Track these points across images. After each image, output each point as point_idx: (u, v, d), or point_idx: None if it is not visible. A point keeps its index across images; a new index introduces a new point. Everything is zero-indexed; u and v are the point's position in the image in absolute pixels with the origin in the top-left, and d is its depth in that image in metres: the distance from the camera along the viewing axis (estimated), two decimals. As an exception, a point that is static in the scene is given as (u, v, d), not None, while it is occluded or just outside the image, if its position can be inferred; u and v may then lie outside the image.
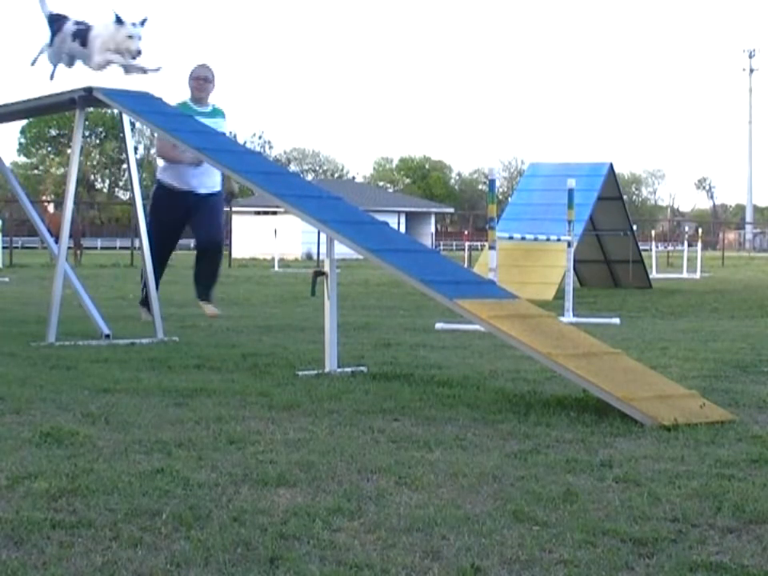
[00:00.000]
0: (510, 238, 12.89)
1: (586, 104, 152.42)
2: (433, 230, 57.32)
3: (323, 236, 6.91)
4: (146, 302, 8.83)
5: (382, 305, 13.23)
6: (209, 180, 9.24)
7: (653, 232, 33.01)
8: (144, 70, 7.93)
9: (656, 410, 4.69)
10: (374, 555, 2.79)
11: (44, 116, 36.63)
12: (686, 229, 41.16)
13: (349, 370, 6.22)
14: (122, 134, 8.22)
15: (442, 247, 56.17)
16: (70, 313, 9.28)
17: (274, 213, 47.13)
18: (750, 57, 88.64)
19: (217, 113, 9.25)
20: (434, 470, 3.75)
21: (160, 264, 9.08)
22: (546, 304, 11.64)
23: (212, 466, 3.76)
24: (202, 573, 2.65)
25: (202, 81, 9.24)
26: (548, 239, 13.90)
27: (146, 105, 7.70)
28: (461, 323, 8.70)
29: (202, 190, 9.20)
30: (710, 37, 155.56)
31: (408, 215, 58.52)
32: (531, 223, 15.37)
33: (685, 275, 24.63)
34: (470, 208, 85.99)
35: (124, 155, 12.13)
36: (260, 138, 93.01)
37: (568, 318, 10.67)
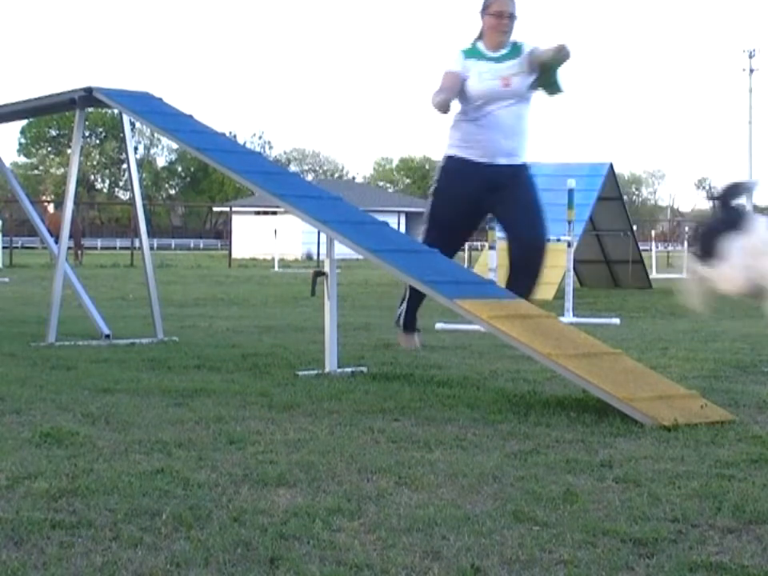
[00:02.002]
0: (510, 238, 12.85)
1: (586, 104, 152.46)
2: (433, 230, 57.22)
3: (323, 236, 6.91)
4: (411, 325, 6.68)
5: (382, 305, 13.22)
6: (515, 141, 6.44)
7: (653, 232, 33.02)
8: None
9: (656, 411, 4.69)
10: (374, 555, 2.79)
11: (44, 116, 36.67)
12: (686, 229, 41.11)
13: (349, 370, 6.22)
14: (122, 134, 8.22)
15: (442, 247, 56.05)
16: (70, 313, 9.28)
17: (274, 213, 47.14)
18: (750, 57, 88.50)
19: (516, 50, 6.46)
20: (434, 470, 3.75)
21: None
22: (545, 304, 11.63)
23: (212, 466, 3.76)
24: (201, 573, 2.65)
25: (506, 19, 6.46)
26: (548, 239, 13.87)
27: (145, 105, 7.70)
28: (461, 323, 8.70)
29: (508, 160, 6.39)
30: (710, 37, 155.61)
31: (408, 215, 58.52)
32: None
33: (685, 275, 24.59)
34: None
35: (124, 155, 11.66)
36: (260, 138, 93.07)
37: (568, 317, 10.67)
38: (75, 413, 4.77)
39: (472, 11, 6.79)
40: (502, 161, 6.35)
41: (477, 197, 6.38)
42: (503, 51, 6.47)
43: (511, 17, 6.50)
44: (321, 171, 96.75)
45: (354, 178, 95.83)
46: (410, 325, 6.64)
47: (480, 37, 6.56)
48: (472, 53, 6.47)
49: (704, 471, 3.75)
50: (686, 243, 28.36)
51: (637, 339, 8.53)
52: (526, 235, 6.46)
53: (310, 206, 6.45)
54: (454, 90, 6.34)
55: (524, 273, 6.40)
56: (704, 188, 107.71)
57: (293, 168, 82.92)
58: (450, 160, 6.48)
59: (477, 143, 6.36)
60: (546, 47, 6.43)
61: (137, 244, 25.38)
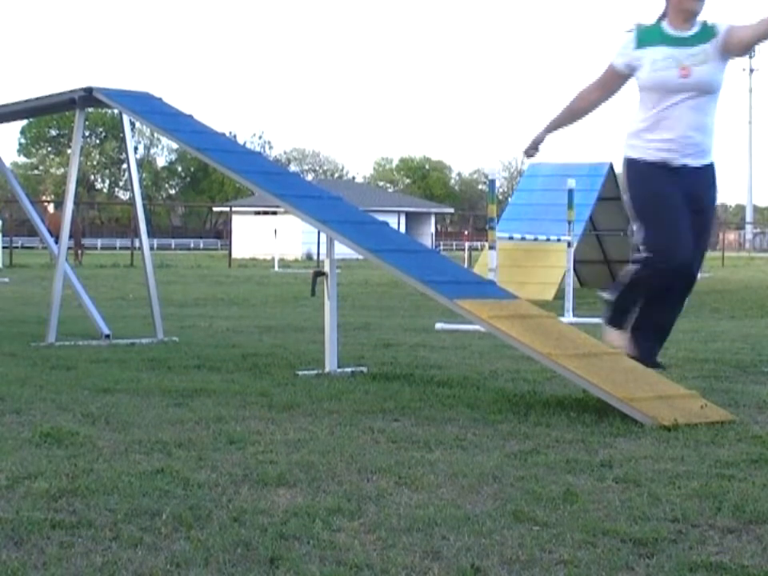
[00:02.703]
0: (510, 238, 12.90)
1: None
2: (433, 230, 57.38)
3: (323, 236, 6.92)
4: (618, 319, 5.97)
5: (382, 305, 13.23)
6: (700, 140, 5.74)
7: (653, 232, 32.96)
8: None
9: (656, 410, 4.69)
10: (373, 555, 2.78)
11: (44, 116, 36.67)
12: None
13: (349, 370, 6.22)
14: (122, 134, 8.22)
15: (441, 247, 56.21)
16: (70, 313, 9.28)
17: (274, 213, 47.17)
18: (750, 57, 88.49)
19: (707, 33, 5.69)
20: (434, 470, 3.75)
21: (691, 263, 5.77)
22: (546, 304, 11.65)
23: (212, 466, 3.76)
24: (201, 573, 2.65)
25: None
26: (548, 239, 13.91)
27: (145, 105, 7.71)
28: (461, 323, 8.70)
29: (694, 161, 5.75)
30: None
31: (408, 215, 58.57)
32: (531, 223, 15.39)
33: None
34: (469, 208, 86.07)
35: (124, 155, 11.67)
36: (260, 138, 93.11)
37: (568, 318, 10.68)
38: (75, 413, 4.77)
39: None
40: (687, 162, 5.69)
41: (673, 192, 5.69)
42: (690, 32, 5.69)
43: None
44: (321, 171, 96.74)
45: (353, 178, 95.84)
46: (616, 320, 5.91)
47: (664, 14, 5.78)
48: (649, 35, 5.75)
49: (704, 471, 3.75)
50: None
51: (637, 339, 8.51)
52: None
53: (310, 206, 6.45)
54: (599, 99, 5.90)
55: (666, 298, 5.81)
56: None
57: (293, 168, 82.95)
58: (632, 164, 5.83)
59: (656, 144, 5.71)
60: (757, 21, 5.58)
61: (137, 244, 25.38)
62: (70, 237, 13.02)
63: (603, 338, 5.93)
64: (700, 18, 5.74)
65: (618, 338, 5.90)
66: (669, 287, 5.78)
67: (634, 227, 5.89)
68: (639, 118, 5.80)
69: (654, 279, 5.76)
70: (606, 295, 6.06)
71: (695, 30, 5.71)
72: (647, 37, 5.77)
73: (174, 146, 64.96)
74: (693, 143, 5.69)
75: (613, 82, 5.88)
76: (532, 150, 6.10)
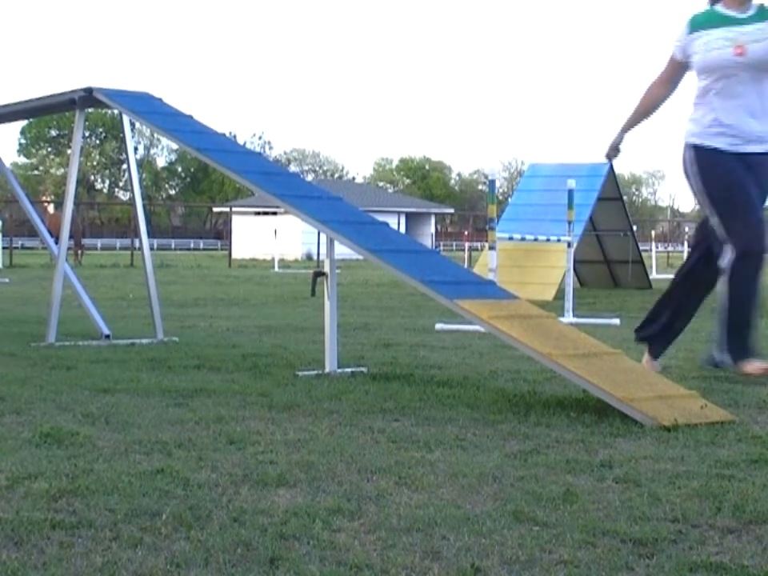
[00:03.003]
0: (510, 238, 12.90)
1: (587, 104, 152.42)
2: (433, 230, 57.37)
3: (323, 236, 6.92)
4: (656, 345, 6.26)
5: (381, 305, 13.23)
6: (764, 123, 5.68)
7: (653, 232, 33.07)
8: None
9: (656, 411, 4.69)
10: (374, 555, 2.78)
11: (44, 116, 36.68)
12: (686, 229, 41.14)
13: (349, 370, 6.22)
14: (122, 134, 8.22)
15: (441, 247, 56.21)
16: (70, 313, 9.29)
17: (274, 213, 47.20)
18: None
19: (763, 14, 5.62)
20: (434, 470, 3.75)
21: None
22: (546, 304, 11.65)
23: (212, 466, 3.76)
24: (201, 573, 2.65)
25: None
26: (548, 240, 13.92)
27: (145, 105, 7.71)
28: (461, 323, 8.70)
29: (756, 147, 5.67)
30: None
31: (408, 215, 58.58)
32: (531, 224, 15.39)
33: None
34: (469, 208, 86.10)
35: (124, 155, 11.65)
36: (260, 138, 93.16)
37: (568, 318, 10.68)
38: (75, 413, 4.76)
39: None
40: (749, 149, 5.60)
41: (746, 179, 5.60)
42: (746, 14, 5.60)
43: None
44: (321, 171, 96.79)
45: (353, 178, 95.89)
46: (741, 347, 5.81)
47: None
48: (702, 20, 5.68)
49: (704, 471, 3.74)
50: (685, 243, 28.42)
51: (637, 339, 8.51)
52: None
53: (310, 207, 6.45)
54: (665, 93, 5.85)
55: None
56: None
57: (293, 168, 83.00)
58: (698, 151, 5.69)
59: (720, 128, 5.59)
60: None
61: (137, 244, 25.41)
62: (70, 237, 13.03)
63: (743, 370, 5.82)
64: (756, 2, 5.68)
65: (761, 365, 5.74)
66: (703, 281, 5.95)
67: (707, 213, 5.75)
68: (701, 102, 5.70)
69: (750, 271, 5.64)
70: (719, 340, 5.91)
71: (751, 12, 5.64)
72: (700, 21, 5.71)
73: (174, 146, 64.98)
74: (753, 129, 5.59)
75: (674, 73, 5.85)
76: (613, 152, 6.15)
